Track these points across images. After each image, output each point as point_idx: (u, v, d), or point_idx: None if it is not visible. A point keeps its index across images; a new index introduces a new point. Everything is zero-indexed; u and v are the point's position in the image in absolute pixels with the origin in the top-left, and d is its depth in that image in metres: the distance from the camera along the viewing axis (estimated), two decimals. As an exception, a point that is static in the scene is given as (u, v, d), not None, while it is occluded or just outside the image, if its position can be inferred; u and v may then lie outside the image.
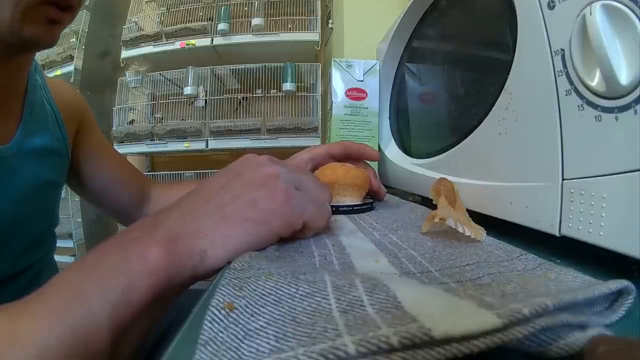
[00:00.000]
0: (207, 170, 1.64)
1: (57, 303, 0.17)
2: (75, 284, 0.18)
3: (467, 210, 0.27)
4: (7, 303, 0.18)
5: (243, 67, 1.60)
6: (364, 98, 0.57)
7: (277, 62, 1.56)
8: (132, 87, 1.66)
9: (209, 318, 0.13)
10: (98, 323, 0.17)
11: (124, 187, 0.58)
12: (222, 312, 0.13)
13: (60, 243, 0.53)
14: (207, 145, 1.51)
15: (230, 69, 1.60)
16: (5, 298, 0.18)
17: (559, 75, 0.21)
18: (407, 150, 0.52)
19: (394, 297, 0.13)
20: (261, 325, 0.12)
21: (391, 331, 0.10)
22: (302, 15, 1.55)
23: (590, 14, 0.18)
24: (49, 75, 0.62)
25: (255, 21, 1.50)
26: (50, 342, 0.16)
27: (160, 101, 1.72)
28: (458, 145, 0.34)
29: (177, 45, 1.53)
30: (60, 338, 0.16)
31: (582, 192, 0.20)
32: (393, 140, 0.57)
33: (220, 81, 1.69)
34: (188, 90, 1.54)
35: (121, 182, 0.58)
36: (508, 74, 0.26)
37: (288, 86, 1.51)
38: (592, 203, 0.19)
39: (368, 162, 0.47)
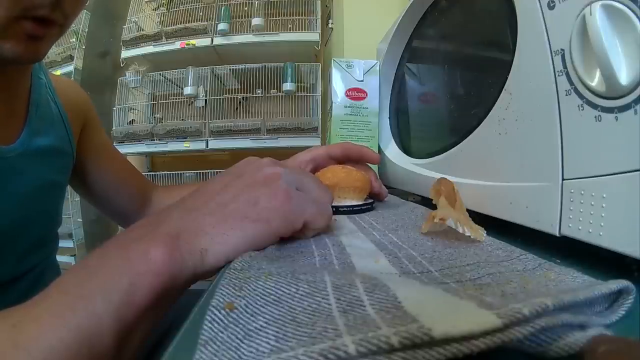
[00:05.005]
0: (207, 171, 1.64)
1: (60, 305, 0.17)
2: (78, 286, 0.18)
3: (467, 210, 0.27)
4: (11, 307, 0.18)
5: (243, 67, 1.60)
6: (364, 98, 0.57)
7: (277, 62, 1.56)
8: (132, 87, 1.66)
9: (209, 318, 0.13)
10: (102, 324, 0.17)
11: (126, 189, 0.58)
12: (222, 312, 0.13)
13: (60, 243, 0.53)
14: (207, 145, 1.51)
15: (230, 69, 1.60)
16: (7, 300, 0.18)
17: (559, 75, 0.21)
18: (407, 150, 0.52)
19: (394, 297, 0.13)
20: (261, 325, 0.12)
21: (391, 331, 0.10)
22: (302, 15, 1.55)
23: (590, 14, 0.18)
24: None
25: (255, 21, 1.50)
26: (54, 344, 0.16)
27: (160, 101, 1.72)
28: (458, 145, 0.34)
29: (177, 45, 1.53)
30: (64, 340, 0.16)
31: (582, 192, 0.20)
32: (393, 140, 0.57)
33: (220, 81, 1.69)
34: (188, 90, 1.54)
35: (123, 184, 0.57)
36: (508, 74, 0.26)
37: (288, 86, 1.51)
38: (592, 203, 0.19)
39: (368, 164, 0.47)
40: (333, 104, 0.57)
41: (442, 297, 0.13)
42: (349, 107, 0.57)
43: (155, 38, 1.56)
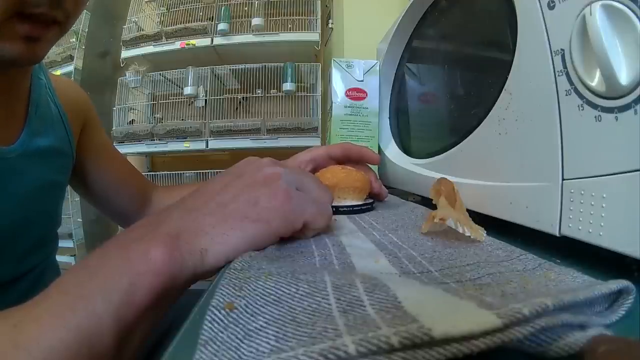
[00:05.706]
0: (207, 171, 1.64)
1: (60, 305, 0.17)
2: (78, 286, 0.18)
3: (467, 210, 0.27)
4: (11, 307, 0.18)
5: (243, 67, 1.60)
6: (364, 98, 0.57)
7: (277, 62, 1.56)
8: (132, 87, 1.66)
9: (209, 318, 0.13)
10: (102, 324, 0.17)
11: (126, 190, 0.58)
12: (222, 312, 0.13)
13: (60, 243, 0.53)
14: (207, 145, 1.51)
15: (230, 69, 1.60)
16: (7, 301, 0.18)
17: (559, 75, 0.21)
18: (407, 150, 0.52)
19: (394, 297, 0.13)
20: (261, 325, 0.12)
21: (391, 331, 0.10)
22: (302, 15, 1.55)
23: (590, 14, 0.18)
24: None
25: (255, 21, 1.50)
26: (54, 344, 0.16)
27: (160, 101, 1.72)
28: (458, 145, 0.34)
29: (177, 45, 1.53)
30: (64, 340, 0.16)
31: (582, 192, 0.20)
32: (393, 140, 0.57)
33: (220, 81, 1.69)
34: (188, 90, 1.54)
35: (123, 184, 0.57)
36: (508, 74, 0.26)
37: (288, 86, 1.51)
38: (592, 203, 0.19)
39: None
40: (333, 104, 0.57)
41: (442, 297, 0.13)
42: (349, 107, 0.57)
43: (155, 38, 1.56)
